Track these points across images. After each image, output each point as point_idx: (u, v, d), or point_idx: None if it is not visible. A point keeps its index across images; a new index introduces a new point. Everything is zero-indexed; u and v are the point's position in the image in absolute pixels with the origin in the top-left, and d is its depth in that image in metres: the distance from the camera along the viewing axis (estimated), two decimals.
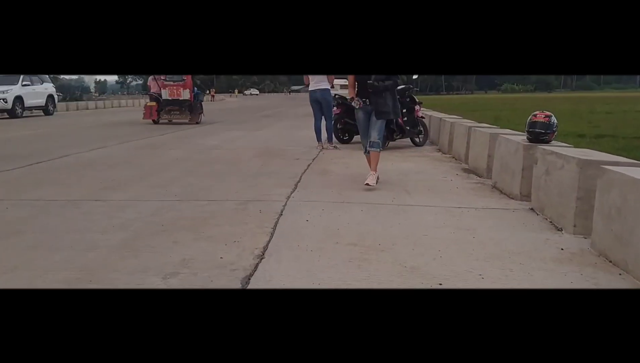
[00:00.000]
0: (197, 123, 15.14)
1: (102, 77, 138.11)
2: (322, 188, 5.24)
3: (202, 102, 16.41)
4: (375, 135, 5.26)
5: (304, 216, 4.02)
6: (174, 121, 15.29)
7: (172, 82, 14.98)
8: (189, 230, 3.61)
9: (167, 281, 2.64)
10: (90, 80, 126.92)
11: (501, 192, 5.14)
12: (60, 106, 28.64)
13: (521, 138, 5.30)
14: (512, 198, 4.83)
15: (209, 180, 5.67)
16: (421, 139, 9.36)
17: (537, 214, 4.17)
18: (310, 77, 8.60)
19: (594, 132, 10.93)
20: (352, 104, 5.42)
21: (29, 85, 20.77)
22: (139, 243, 3.29)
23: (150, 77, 15.86)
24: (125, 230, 3.60)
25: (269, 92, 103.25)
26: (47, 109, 22.10)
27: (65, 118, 19.96)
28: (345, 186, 5.23)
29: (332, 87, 9.21)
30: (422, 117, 9.43)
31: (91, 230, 3.61)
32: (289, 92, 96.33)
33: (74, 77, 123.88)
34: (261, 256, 3.04)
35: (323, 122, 8.86)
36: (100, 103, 36.48)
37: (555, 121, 4.88)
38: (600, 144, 9.01)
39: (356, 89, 5.36)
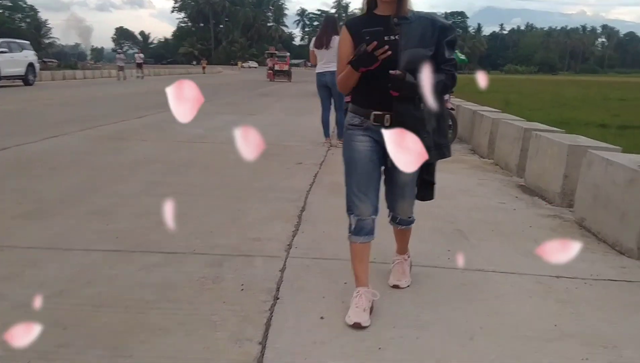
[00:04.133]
0: (290, 81, 30.47)
1: (98, 45, 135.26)
2: (338, 223, 3.56)
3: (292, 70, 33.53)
4: (409, 208, 2.50)
5: (316, 301, 2.38)
6: (277, 80, 30.41)
7: (280, 61, 32.66)
8: (105, 347, 1.95)
9: None
10: (86, 46, 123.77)
11: (597, 237, 3.53)
12: (46, 74, 26.76)
13: (629, 157, 3.67)
14: (622, 253, 3.22)
15: (174, 203, 3.99)
16: (450, 136, 7.68)
17: None
18: (319, 56, 6.80)
19: (616, 122, 10.06)
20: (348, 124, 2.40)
21: (6, 52, 18.86)
22: None
23: (268, 58, 34.67)
24: None
25: None
26: (26, 78, 20.31)
27: (44, 90, 18.10)
28: None
29: None
30: (452, 108, 7.73)
31: None
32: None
33: (71, 43, 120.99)
34: None
35: (333, 113, 7.18)
36: (89, 73, 34.44)
37: None
38: (628, 137, 7.79)
39: (353, 89, 2.36)
